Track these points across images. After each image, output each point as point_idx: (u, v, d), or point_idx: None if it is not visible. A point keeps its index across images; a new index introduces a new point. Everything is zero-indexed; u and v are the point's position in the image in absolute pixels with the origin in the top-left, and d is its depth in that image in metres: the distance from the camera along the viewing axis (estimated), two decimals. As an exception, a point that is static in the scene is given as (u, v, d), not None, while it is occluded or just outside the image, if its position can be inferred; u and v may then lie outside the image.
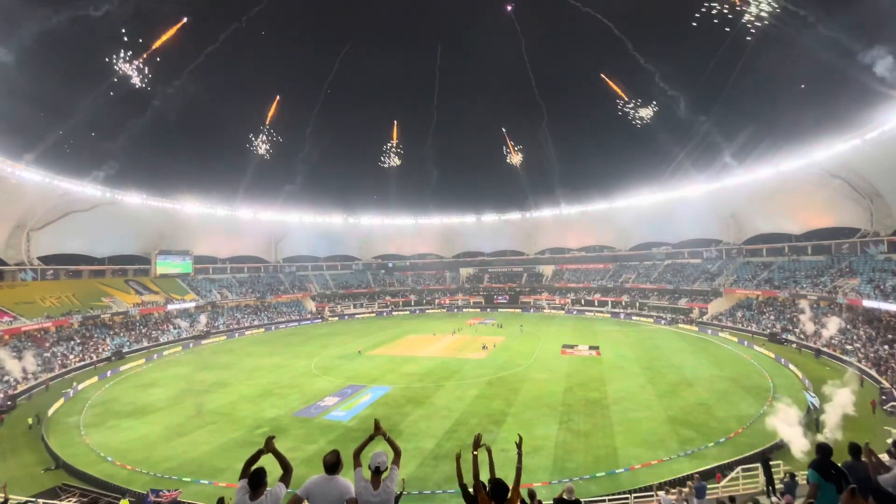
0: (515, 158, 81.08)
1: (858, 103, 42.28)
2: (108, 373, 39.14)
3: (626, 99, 65.20)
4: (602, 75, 67.12)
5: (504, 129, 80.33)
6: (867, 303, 38.37)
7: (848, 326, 38.22)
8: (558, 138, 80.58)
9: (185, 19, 55.95)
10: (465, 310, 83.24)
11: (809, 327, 40.34)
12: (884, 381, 27.86)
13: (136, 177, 59.71)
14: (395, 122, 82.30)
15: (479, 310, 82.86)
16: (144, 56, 52.25)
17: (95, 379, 37.29)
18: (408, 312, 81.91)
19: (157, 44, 54.04)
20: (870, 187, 48.21)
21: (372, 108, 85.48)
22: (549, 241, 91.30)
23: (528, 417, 25.38)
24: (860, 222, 51.60)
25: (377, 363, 40.73)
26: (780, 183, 53.69)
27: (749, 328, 48.96)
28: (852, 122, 43.41)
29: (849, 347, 35.52)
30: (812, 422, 22.55)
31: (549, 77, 75.31)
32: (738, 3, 48.06)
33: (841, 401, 20.39)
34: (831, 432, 20.12)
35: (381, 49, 76.56)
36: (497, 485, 3.80)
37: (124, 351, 46.47)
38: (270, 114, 69.81)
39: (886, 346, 32.37)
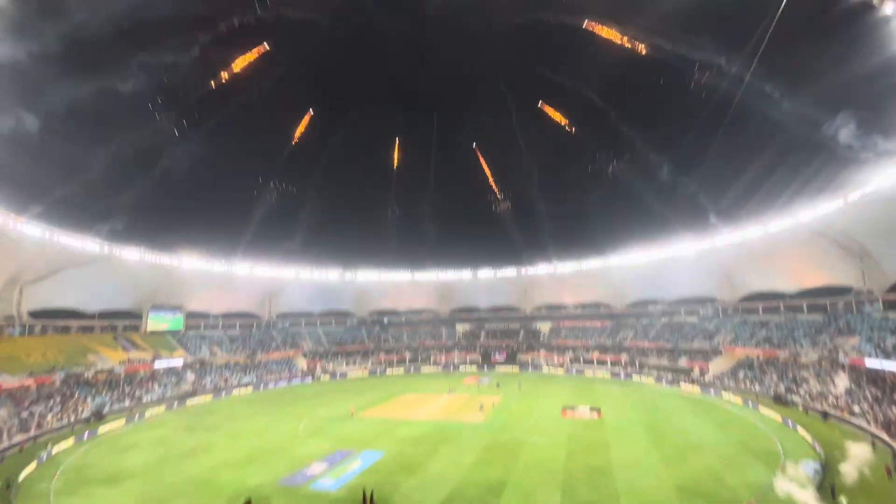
0: (503, 206, 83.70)
1: (836, 166, 44.55)
2: (86, 434, 37.07)
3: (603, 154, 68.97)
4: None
5: (493, 182, 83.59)
6: (869, 362, 37.83)
7: (853, 387, 37.39)
8: (549, 197, 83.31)
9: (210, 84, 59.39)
10: (461, 368, 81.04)
11: (815, 387, 39.37)
12: (895, 445, 26.81)
13: (135, 231, 60.38)
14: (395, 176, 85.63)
15: (475, 368, 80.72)
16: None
17: (72, 441, 35.26)
18: (402, 371, 79.58)
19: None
20: (858, 246, 49.36)
21: (372, 166, 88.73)
22: (546, 297, 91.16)
23: (528, 486, 23.95)
24: (853, 280, 52.23)
25: (369, 425, 38.96)
26: (769, 242, 54.92)
27: (752, 388, 47.72)
28: (834, 184, 45.47)
29: (856, 409, 34.53)
30: (827, 489, 21.40)
31: (538, 140, 79.30)
32: (706, 83, 52.20)
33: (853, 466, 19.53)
34: (847, 500, 19.05)
35: (383, 112, 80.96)
36: None
37: (104, 411, 44.32)
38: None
39: (894, 408, 31.48)
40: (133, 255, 57.91)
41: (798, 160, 50.26)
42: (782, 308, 59.66)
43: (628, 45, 56.61)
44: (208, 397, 55.35)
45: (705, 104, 53.78)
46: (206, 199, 74.57)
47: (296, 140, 75.81)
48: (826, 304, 54.50)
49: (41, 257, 50.52)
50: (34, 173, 51.70)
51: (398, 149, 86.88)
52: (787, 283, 60.40)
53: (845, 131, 40.35)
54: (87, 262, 55.00)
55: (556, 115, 74.14)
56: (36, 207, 48.13)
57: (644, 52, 55.76)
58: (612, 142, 70.26)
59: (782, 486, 20.22)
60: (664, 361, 64.32)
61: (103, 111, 53.29)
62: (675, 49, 52.91)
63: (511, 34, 65.85)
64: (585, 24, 58.79)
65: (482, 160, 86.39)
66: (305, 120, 76.21)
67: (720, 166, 60.54)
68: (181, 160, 63.57)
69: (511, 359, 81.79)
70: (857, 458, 20.16)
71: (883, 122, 40.40)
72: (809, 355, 46.50)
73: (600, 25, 58.03)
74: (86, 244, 52.32)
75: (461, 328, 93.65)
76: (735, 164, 59.40)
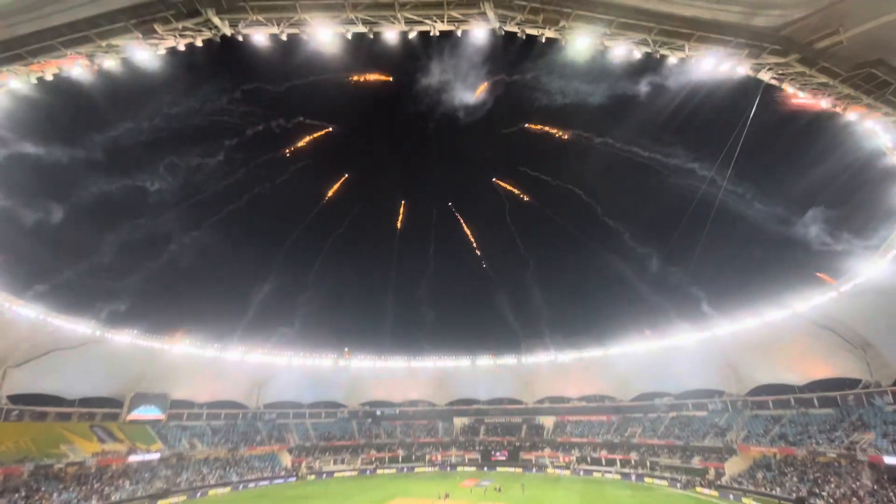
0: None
1: (824, 259, 46.32)
2: (41, 539, 33.36)
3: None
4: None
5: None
6: (888, 459, 35.64)
7: (876, 487, 34.79)
8: (546, 285, 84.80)
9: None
10: (459, 468, 75.07)
11: (838, 489, 36.57)
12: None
13: (130, 315, 60.18)
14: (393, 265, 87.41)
15: (474, 468, 74.80)
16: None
17: (23, 547, 31.63)
18: (394, 470, 73.69)
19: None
20: (859, 337, 49.10)
21: (370, 254, 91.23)
22: (548, 389, 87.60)
23: None
24: (859, 372, 51.08)
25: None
26: (770, 333, 54.58)
27: (773, 492, 44.07)
28: (826, 273, 46.78)
29: (887, 514, 31.79)
30: None
31: (531, 232, 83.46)
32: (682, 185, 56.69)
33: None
34: None
35: (382, 206, 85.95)
36: None
37: (66, 511, 40.34)
38: None
39: (927, 513, 29.05)
40: (124, 338, 56.82)
41: (783, 253, 52.50)
42: (792, 402, 57.39)
43: (605, 150, 62.47)
44: (182, 498, 50.60)
45: (684, 204, 57.74)
46: (204, 285, 75.66)
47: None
48: (836, 397, 52.63)
49: (32, 340, 49.68)
50: (36, 256, 53.21)
51: (398, 236, 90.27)
52: (795, 375, 58.87)
53: (816, 228, 42.81)
54: (77, 345, 53.85)
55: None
56: (34, 290, 48.68)
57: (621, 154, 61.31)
58: (602, 235, 73.88)
59: None
60: (676, 461, 60.01)
61: (120, 204, 56.66)
62: (653, 155, 58.37)
63: (502, 140, 72.65)
64: (567, 134, 65.40)
65: (474, 242, 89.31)
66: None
67: (710, 259, 62.87)
68: (187, 248, 65.95)
69: (513, 457, 76.20)
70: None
71: (856, 218, 43.09)
72: (828, 453, 43.80)
73: (581, 134, 64.54)
74: (78, 327, 51.72)
75: (459, 422, 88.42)
76: (724, 256, 61.81)
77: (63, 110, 42.35)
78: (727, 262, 64.96)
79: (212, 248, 71.92)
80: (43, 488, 41.33)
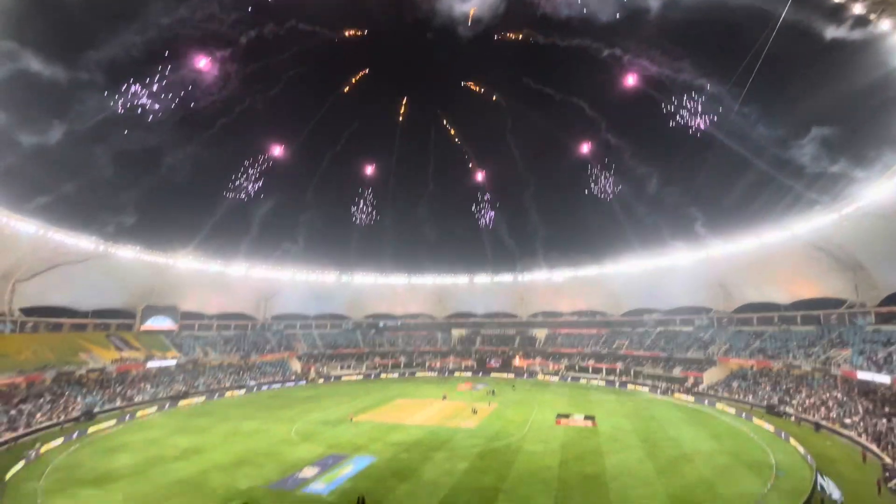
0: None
1: (828, 181, 45.14)
2: (75, 434, 36.66)
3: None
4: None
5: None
6: (861, 374, 38.04)
7: (845, 399, 37.55)
8: (545, 206, 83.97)
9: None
10: (456, 373, 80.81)
11: (807, 399, 39.47)
12: (885, 458, 26.92)
13: (132, 230, 60.15)
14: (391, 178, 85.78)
15: (470, 374, 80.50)
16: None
17: (61, 440, 34.86)
18: (396, 375, 79.30)
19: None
20: (852, 259, 49.70)
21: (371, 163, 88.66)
22: (542, 304, 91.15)
23: (521, 495, 23.84)
24: (846, 293, 52.58)
25: (362, 430, 38.73)
26: (764, 254, 55.15)
27: (746, 399, 47.84)
28: (829, 196, 46.02)
29: (847, 421, 34.66)
30: (817, 502, 21.43)
31: (533, 150, 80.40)
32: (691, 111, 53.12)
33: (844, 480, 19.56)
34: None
35: (384, 113, 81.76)
36: None
37: (95, 411, 43.87)
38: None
39: (885, 420, 31.63)
40: (128, 253, 57.49)
41: (785, 176, 51.13)
42: (776, 319, 59.93)
43: (616, 64, 57.59)
44: (201, 399, 54.92)
45: (694, 123, 54.72)
46: (205, 200, 74.62)
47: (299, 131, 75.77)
48: (819, 315, 54.82)
49: (35, 254, 50.12)
50: (33, 171, 51.65)
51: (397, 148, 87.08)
52: (782, 294, 60.74)
53: (808, 150, 41.38)
54: (81, 259, 54.56)
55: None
56: (32, 204, 48.07)
57: (633, 73, 56.76)
58: (605, 153, 71.28)
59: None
60: (659, 371, 64.36)
61: (115, 117, 53.49)
62: (664, 70, 53.99)
63: (510, 48, 66.56)
64: (576, 43, 59.54)
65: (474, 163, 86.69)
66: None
67: (714, 180, 61.31)
68: (184, 162, 63.82)
69: (506, 365, 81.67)
70: (848, 470, 20.16)
71: (863, 141, 41.27)
72: (803, 367, 46.68)
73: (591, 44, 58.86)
74: (81, 242, 51.93)
75: (457, 333, 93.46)
76: (728, 178, 60.17)
77: (55, 25, 38.58)
78: (728, 184, 63.49)
79: (211, 163, 69.55)
80: (67, 393, 44.57)
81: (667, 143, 70.59)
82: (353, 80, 74.34)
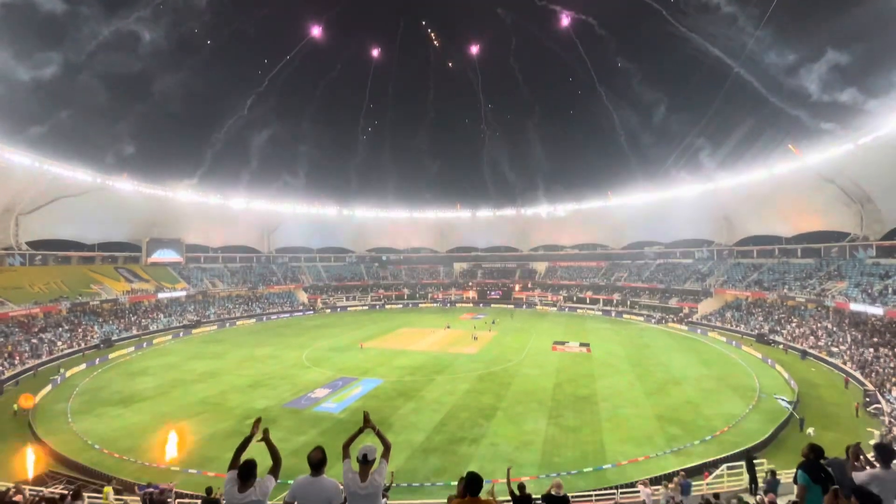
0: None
1: (842, 111, 42.99)
2: (97, 360, 38.81)
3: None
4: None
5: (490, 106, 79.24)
6: (854, 306, 38.95)
7: (834, 329, 38.80)
8: (550, 136, 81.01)
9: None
10: (458, 304, 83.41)
11: (797, 328, 40.80)
12: (868, 384, 28.36)
13: (129, 163, 59.11)
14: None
15: (471, 305, 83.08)
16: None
17: (84, 366, 36.97)
18: (401, 306, 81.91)
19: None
20: (861, 192, 48.73)
21: (369, 100, 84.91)
22: (544, 238, 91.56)
23: (517, 412, 25.56)
24: (850, 226, 52.22)
25: (369, 356, 40.76)
26: (773, 185, 54.06)
27: (738, 329, 49.56)
28: (840, 126, 44.14)
29: (835, 350, 36.10)
30: (796, 422, 22.94)
31: (539, 77, 75.83)
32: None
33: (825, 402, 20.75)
34: (815, 432, 20.49)
35: (379, 44, 76.26)
36: (472, 479, 3.86)
37: (113, 339, 46.08)
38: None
39: (871, 350, 32.93)
40: (127, 186, 56.91)
41: (800, 105, 48.65)
42: (777, 252, 60.25)
43: None
44: (213, 327, 57.34)
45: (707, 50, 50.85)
46: (199, 130, 72.33)
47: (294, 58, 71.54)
48: (821, 248, 54.94)
49: (34, 187, 49.61)
50: (27, 102, 49.73)
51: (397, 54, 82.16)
52: (786, 227, 60.45)
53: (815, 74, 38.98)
54: (81, 192, 54.13)
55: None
56: (25, 135, 46.83)
57: None
58: (611, 77, 67.28)
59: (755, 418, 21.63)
60: (655, 301, 66.09)
61: (104, 40, 50.25)
62: None
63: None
64: None
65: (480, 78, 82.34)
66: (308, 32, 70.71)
67: (724, 110, 58.41)
68: (176, 88, 60.95)
69: (506, 296, 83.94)
70: (828, 394, 21.36)
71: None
72: (797, 298, 47.73)
73: None
74: (78, 174, 51.19)
75: (459, 267, 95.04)
76: (741, 107, 57.26)
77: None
78: (739, 113, 60.56)
79: (206, 93, 66.57)
80: (84, 322, 46.47)
81: (677, 67, 66.34)
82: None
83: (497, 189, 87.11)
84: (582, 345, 43.56)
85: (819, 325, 40.99)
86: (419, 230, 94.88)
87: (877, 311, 36.58)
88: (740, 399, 27.43)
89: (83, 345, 42.85)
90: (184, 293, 63.00)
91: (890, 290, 38.25)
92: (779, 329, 44.53)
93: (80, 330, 44.66)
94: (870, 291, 39.33)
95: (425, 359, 39.42)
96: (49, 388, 31.07)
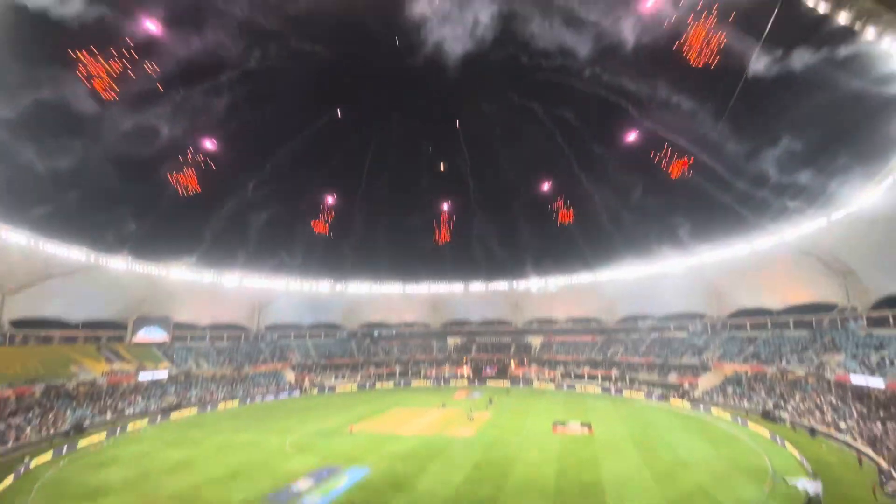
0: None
1: (817, 189, 45.89)
2: (65, 448, 35.97)
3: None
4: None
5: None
6: (855, 378, 38.32)
7: (839, 403, 37.76)
8: (536, 214, 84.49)
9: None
10: (452, 382, 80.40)
11: (802, 404, 39.65)
12: (881, 461, 27.05)
13: (124, 241, 59.65)
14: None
15: (466, 382, 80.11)
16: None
17: (50, 455, 34.18)
18: (392, 385, 78.72)
19: None
20: (842, 265, 50.35)
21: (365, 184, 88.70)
22: (537, 311, 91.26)
23: None
24: (837, 297, 53.17)
25: (357, 441, 38.34)
26: (756, 260, 55.81)
27: (741, 405, 47.96)
28: (817, 203, 46.77)
29: (842, 425, 34.84)
30: (815, 508, 21.48)
31: (521, 160, 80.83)
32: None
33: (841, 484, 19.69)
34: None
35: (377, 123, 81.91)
36: None
37: (85, 425, 43.10)
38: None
39: (880, 424, 31.84)
40: (120, 264, 57.01)
41: (774, 183, 51.97)
42: (769, 324, 60.38)
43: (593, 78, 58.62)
44: (193, 410, 54.15)
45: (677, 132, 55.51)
46: (198, 209, 74.08)
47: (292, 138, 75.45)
48: (812, 320, 55.32)
49: (25, 266, 49.56)
50: (23, 182, 51.33)
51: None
52: (774, 299, 61.28)
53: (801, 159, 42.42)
54: (72, 271, 54.04)
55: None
56: (23, 215, 47.68)
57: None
58: (589, 161, 72.04)
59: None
60: (654, 377, 64.45)
61: (105, 126, 53.51)
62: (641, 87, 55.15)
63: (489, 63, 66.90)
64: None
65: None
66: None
67: (697, 192, 61.95)
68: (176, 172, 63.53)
69: (502, 373, 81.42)
70: (844, 475, 20.27)
71: (851, 148, 42.21)
72: (797, 371, 46.96)
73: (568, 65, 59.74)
74: (72, 253, 51.47)
75: (452, 341, 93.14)
76: (715, 186, 60.82)
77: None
78: (718, 191, 64.21)
79: (206, 174, 69.39)
80: (56, 406, 43.80)
81: (646, 154, 71.15)
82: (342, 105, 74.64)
83: (489, 263, 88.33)
84: (583, 425, 41.59)
85: (823, 399, 39.91)
86: (412, 304, 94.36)
87: (878, 383, 35.97)
88: (754, 484, 25.82)
89: (52, 431, 39.97)
90: (166, 374, 60.32)
91: (887, 360, 37.95)
92: (783, 404, 43.17)
93: (51, 414, 41.91)
94: (867, 363, 38.97)
95: (418, 443, 37.13)
96: (11, 478, 28.45)
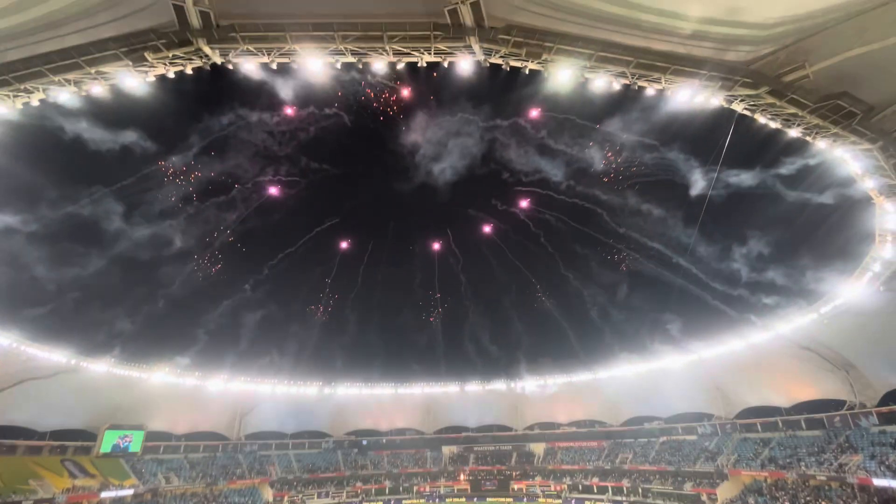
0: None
1: (800, 284, 47.53)
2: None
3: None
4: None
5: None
6: (877, 482, 35.74)
7: (868, 511, 34.72)
8: (528, 312, 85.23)
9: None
10: (448, 499, 72.87)
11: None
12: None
13: (105, 344, 58.26)
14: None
15: (464, 499, 72.65)
16: None
17: None
18: (381, 503, 71.07)
19: None
20: (842, 359, 49.85)
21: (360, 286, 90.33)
22: (538, 414, 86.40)
23: None
24: (844, 394, 51.66)
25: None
26: (755, 355, 55.07)
27: (766, 518, 43.65)
28: (808, 296, 47.87)
29: (879, 539, 31.61)
30: None
31: (508, 260, 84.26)
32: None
33: None
34: None
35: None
36: None
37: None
38: None
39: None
40: (101, 367, 54.71)
41: (761, 278, 54.01)
42: (780, 424, 57.55)
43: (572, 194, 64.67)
44: (156, 537, 47.92)
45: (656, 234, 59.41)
46: (183, 312, 73.83)
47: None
48: (823, 419, 52.95)
49: (4, 369, 47.65)
50: (21, 284, 51.94)
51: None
52: (781, 397, 59.28)
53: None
54: (50, 374, 51.74)
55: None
56: (13, 316, 47.19)
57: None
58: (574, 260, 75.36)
59: None
60: (668, 487, 59.24)
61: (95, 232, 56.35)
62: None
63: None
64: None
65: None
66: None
67: (680, 289, 64.05)
68: (167, 276, 65.03)
69: (504, 487, 74.43)
70: None
71: (832, 242, 44.73)
72: (817, 476, 43.73)
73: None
74: (53, 355, 49.79)
75: (448, 451, 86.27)
76: (691, 290, 63.11)
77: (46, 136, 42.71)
78: (691, 293, 66.25)
79: (193, 279, 70.83)
80: (6, 529, 38.87)
81: (627, 252, 74.53)
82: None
83: (485, 363, 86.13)
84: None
85: (851, 507, 36.72)
86: (404, 408, 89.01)
87: (904, 486, 33.51)
88: None
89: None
90: (131, 491, 54.42)
91: (908, 462, 35.84)
92: (810, 515, 39.46)
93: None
94: (888, 463, 36.69)
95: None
96: None
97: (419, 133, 62.61)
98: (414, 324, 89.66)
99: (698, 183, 51.02)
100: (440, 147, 65.19)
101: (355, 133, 68.54)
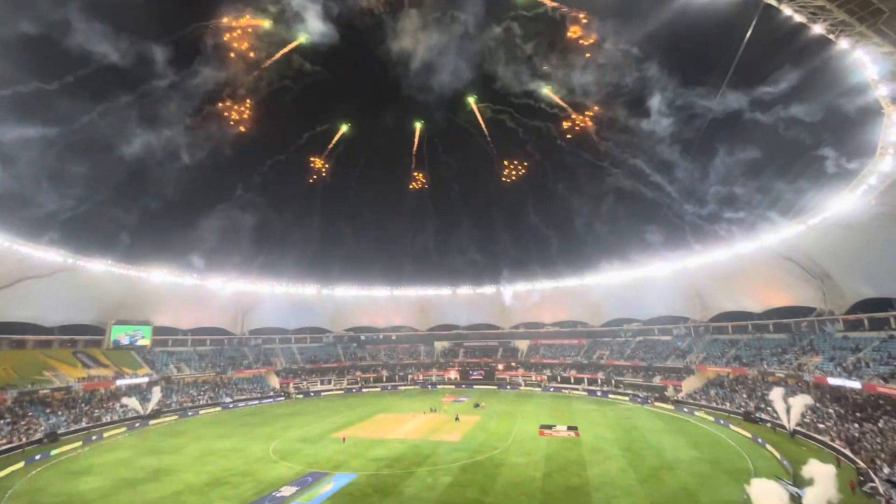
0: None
1: (796, 192, 46.98)
2: (38, 457, 34.76)
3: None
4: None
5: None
6: (832, 380, 39.24)
7: (817, 405, 38.58)
8: (519, 220, 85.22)
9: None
10: (439, 386, 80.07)
11: (781, 406, 40.25)
12: (859, 461, 27.67)
13: (103, 242, 58.10)
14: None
15: (453, 386, 79.87)
16: None
17: (22, 464, 32.97)
18: (379, 389, 78.09)
19: None
20: (819, 269, 51.58)
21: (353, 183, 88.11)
22: (524, 315, 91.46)
23: (505, 507, 23.58)
24: (815, 301, 54.42)
25: (343, 447, 37.83)
26: (737, 264, 56.72)
27: (723, 406, 48.72)
28: (797, 208, 47.83)
29: (821, 426, 35.59)
30: (796, 507, 21.82)
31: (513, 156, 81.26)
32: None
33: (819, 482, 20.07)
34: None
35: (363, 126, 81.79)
36: None
37: (59, 432, 41.74)
38: None
39: (857, 425, 32.60)
40: (99, 266, 55.35)
41: (754, 186, 53.24)
42: (750, 327, 61.54)
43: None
44: (173, 418, 52.90)
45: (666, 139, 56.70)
46: (180, 210, 72.63)
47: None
48: (791, 323, 56.50)
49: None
50: (19, 186, 49.95)
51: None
52: (755, 303, 62.50)
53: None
54: (48, 273, 52.28)
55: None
56: (3, 217, 46.16)
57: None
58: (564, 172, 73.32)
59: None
60: (639, 380, 65.10)
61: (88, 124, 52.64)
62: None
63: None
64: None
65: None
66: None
67: (690, 184, 63.01)
68: (157, 171, 62.30)
69: (489, 377, 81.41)
70: (823, 474, 20.67)
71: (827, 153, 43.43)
72: (776, 374, 47.90)
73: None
74: (47, 254, 49.86)
75: (440, 345, 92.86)
76: (704, 183, 61.94)
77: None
78: (702, 194, 65.40)
79: (188, 178, 68.05)
80: (30, 413, 42.33)
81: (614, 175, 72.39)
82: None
83: (477, 267, 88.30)
84: (570, 428, 41.69)
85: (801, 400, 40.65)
86: (400, 308, 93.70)
87: (854, 384, 36.87)
88: (736, 483, 26.12)
89: (24, 439, 38.57)
90: (146, 379, 58.78)
91: (863, 363, 38.96)
92: (763, 406, 43.96)
93: (23, 422, 40.46)
94: (844, 365, 39.95)
95: (404, 448, 36.80)
96: (-24, 492, 27.34)
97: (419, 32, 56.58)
98: (409, 229, 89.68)
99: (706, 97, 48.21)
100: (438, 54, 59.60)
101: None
